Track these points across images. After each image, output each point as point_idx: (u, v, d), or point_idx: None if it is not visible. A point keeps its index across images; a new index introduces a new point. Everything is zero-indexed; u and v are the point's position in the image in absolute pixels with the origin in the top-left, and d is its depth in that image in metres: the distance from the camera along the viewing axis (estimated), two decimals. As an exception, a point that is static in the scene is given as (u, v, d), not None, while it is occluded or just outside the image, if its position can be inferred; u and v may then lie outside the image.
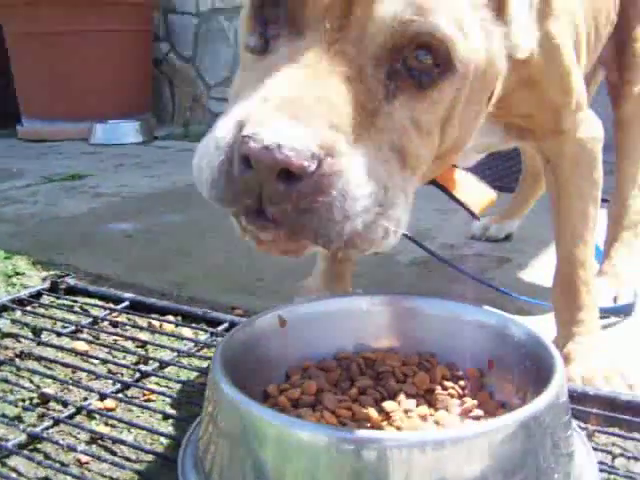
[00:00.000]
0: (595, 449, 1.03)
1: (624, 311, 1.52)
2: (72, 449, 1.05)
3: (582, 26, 1.21)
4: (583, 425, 1.09)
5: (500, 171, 2.87)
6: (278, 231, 0.70)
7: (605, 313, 1.47)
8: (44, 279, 1.75)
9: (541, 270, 1.79)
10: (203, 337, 1.41)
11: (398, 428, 0.96)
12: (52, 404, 1.19)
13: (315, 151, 0.65)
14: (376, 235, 0.72)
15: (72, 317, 1.53)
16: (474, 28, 0.80)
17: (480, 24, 0.81)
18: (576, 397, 1.15)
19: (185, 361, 1.33)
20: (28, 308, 1.58)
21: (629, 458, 1.03)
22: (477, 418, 1.01)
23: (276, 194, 0.66)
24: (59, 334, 1.43)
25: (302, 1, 0.73)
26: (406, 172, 0.77)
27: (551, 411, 0.88)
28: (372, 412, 0.98)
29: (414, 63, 0.74)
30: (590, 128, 1.22)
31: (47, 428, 1.10)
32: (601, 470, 0.98)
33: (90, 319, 1.50)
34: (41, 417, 1.14)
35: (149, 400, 1.20)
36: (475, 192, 1.11)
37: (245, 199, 0.68)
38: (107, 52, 4.39)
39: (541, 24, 1.05)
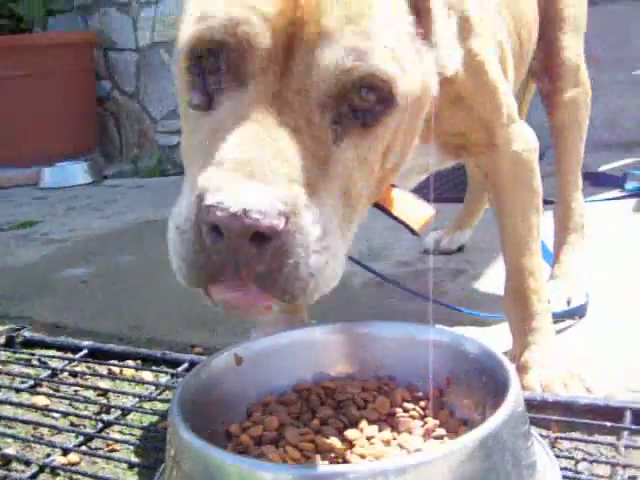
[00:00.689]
0: (558, 456, 1.05)
1: (578, 313, 1.54)
2: (37, 509, 1.03)
3: (505, 41, 1.24)
4: (545, 433, 1.11)
5: (447, 182, 2.90)
6: (248, 292, 0.71)
7: (559, 317, 1.49)
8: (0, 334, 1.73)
9: (495, 279, 1.81)
10: (164, 379, 1.40)
11: (362, 456, 0.96)
12: (14, 464, 1.17)
13: (281, 209, 0.66)
14: (330, 279, 0.75)
15: (30, 371, 1.51)
16: (409, 58, 0.82)
17: (413, 51, 0.84)
18: (536, 405, 1.17)
19: (147, 406, 1.32)
20: (-16, 366, 1.56)
21: (592, 461, 1.05)
22: (440, 437, 1.02)
23: (249, 256, 0.67)
24: (18, 390, 1.41)
25: (242, 52, 0.73)
26: (352, 209, 0.79)
27: (508, 426, 0.89)
28: (335, 442, 0.98)
29: (358, 104, 0.76)
30: (524, 139, 1.25)
31: (10, 490, 1.09)
32: (565, 476, 1.00)
33: (49, 371, 1.48)
34: (3, 479, 1.12)
35: (113, 450, 1.19)
36: (413, 209, 1.12)
37: (218, 266, 0.68)
38: (49, 94, 4.36)
39: (463, 42, 1.07)
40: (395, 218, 1.10)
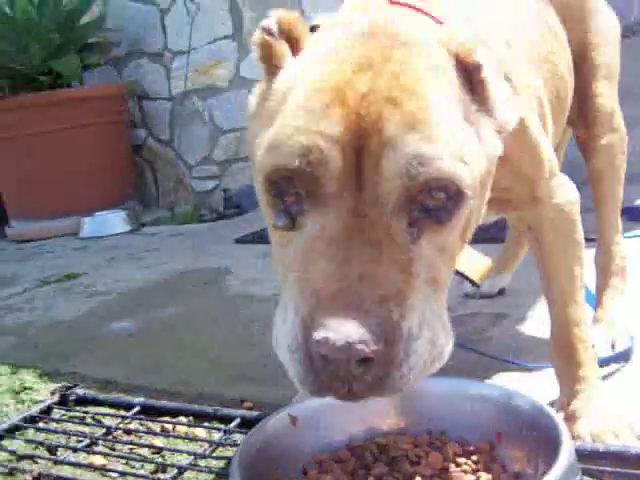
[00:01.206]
0: (612, 508, 1.05)
1: (623, 358, 1.55)
2: None
3: (544, 96, 1.27)
4: (598, 484, 1.11)
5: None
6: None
7: (604, 363, 1.50)
8: (53, 392, 1.77)
9: (539, 322, 1.82)
10: (217, 436, 1.43)
11: (418, 514, 0.98)
12: (78, 526, 1.20)
13: (378, 334, 0.73)
14: (435, 365, 0.81)
15: (85, 429, 1.55)
16: (472, 145, 0.84)
17: (474, 133, 0.86)
18: (587, 455, 1.18)
19: (203, 463, 1.35)
20: (40, 424, 1.60)
21: (646, 514, 1.05)
22: (493, 492, 1.03)
23: (356, 376, 0.74)
24: (75, 449, 1.45)
25: (316, 177, 0.77)
26: (442, 291, 0.84)
27: (564, 482, 0.91)
28: (392, 499, 1.00)
29: (429, 203, 0.79)
30: (565, 192, 1.27)
31: None
32: (620, 530, 1.01)
33: (103, 429, 1.52)
34: (69, 542, 1.16)
35: (173, 511, 1.22)
36: (471, 261, 1.15)
37: (331, 385, 0.76)
38: (85, 146, 4.46)
39: None
40: (455, 272, 1.12)
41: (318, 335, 0.72)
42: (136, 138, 5.01)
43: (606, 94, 1.63)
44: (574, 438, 1.23)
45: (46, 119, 4.31)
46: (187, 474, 1.32)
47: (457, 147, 0.80)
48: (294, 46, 0.90)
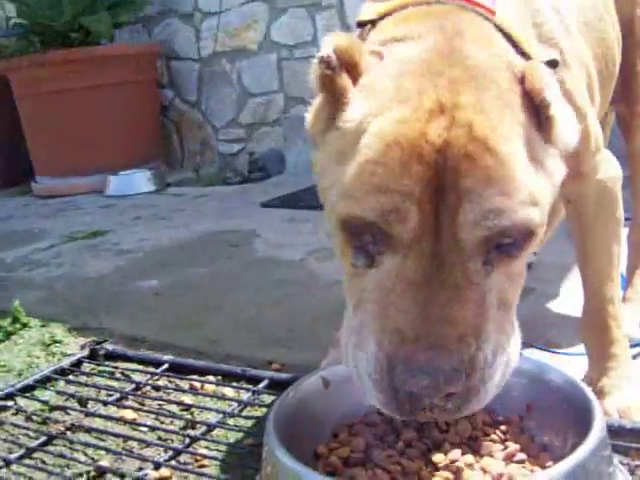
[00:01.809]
0: (638, 483, 1.06)
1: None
2: (135, 522, 1.09)
3: (591, 65, 1.26)
4: (625, 460, 1.12)
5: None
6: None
7: (635, 346, 1.50)
8: (82, 346, 1.80)
9: (567, 297, 1.82)
10: (245, 396, 1.45)
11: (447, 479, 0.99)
12: (109, 476, 1.23)
13: (459, 369, 0.78)
14: (504, 381, 0.87)
15: (115, 384, 1.57)
16: (540, 181, 0.85)
17: (541, 166, 0.86)
18: (613, 431, 1.18)
19: (231, 422, 1.37)
20: (71, 377, 1.63)
21: (672, 491, 1.06)
22: (521, 462, 1.04)
23: (438, 406, 0.80)
24: (105, 403, 1.48)
25: (395, 230, 0.79)
26: (509, 312, 0.88)
27: (595, 455, 0.92)
28: (421, 465, 1.02)
29: (502, 244, 0.82)
30: (609, 168, 1.26)
31: (108, 502, 1.15)
32: (645, 505, 1.02)
33: (133, 385, 1.55)
34: (101, 491, 1.19)
35: (202, 466, 1.24)
36: None
37: (413, 413, 0.82)
38: (114, 104, 4.48)
39: (555, 72, 1.10)
40: None
41: (407, 374, 0.78)
42: (163, 99, 5.01)
43: None
44: (601, 414, 1.24)
45: (76, 76, 4.32)
46: (216, 432, 1.34)
47: (529, 193, 0.81)
48: (354, 72, 0.88)
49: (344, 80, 0.87)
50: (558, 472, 0.86)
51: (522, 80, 0.87)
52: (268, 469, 0.99)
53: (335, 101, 0.88)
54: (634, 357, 1.44)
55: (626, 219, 1.72)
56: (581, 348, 1.38)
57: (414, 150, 0.79)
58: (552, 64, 0.99)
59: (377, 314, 0.82)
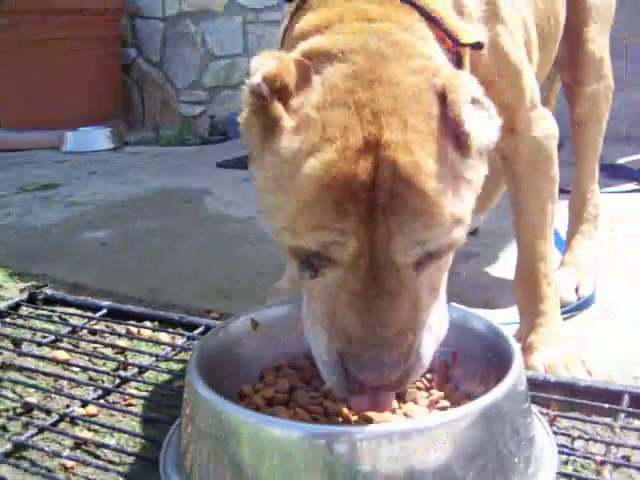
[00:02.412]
0: (556, 433, 1.08)
1: (586, 305, 1.58)
2: (57, 455, 1.09)
3: (530, 21, 1.26)
4: (545, 411, 1.14)
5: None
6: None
7: (570, 311, 1.53)
8: (22, 290, 1.78)
9: (507, 263, 1.84)
10: (180, 341, 1.45)
11: (368, 421, 1.01)
12: (36, 412, 1.22)
13: (398, 360, 0.86)
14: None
15: (51, 327, 1.56)
16: (463, 198, 0.90)
17: (464, 181, 0.90)
18: (538, 384, 1.21)
19: (164, 365, 1.37)
20: (7, 320, 1.61)
21: (587, 440, 1.09)
22: (443, 409, 1.06)
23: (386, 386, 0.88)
24: (39, 344, 1.47)
25: (335, 254, 0.86)
26: (438, 293, 0.95)
27: (510, 399, 0.93)
28: (341, 407, 1.03)
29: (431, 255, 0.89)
30: (544, 126, 1.28)
31: (32, 436, 1.14)
32: (561, 452, 1.04)
33: (69, 328, 1.54)
34: (25, 426, 1.18)
35: (130, 405, 1.24)
36: None
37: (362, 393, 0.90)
38: (76, 59, 4.40)
39: (490, 26, 1.11)
40: None
41: (356, 370, 0.86)
42: (126, 57, 4.94)
43: (597, 40, 1.63)
44: (528, 368, 1.26)
45: (38, 27, 4.23)
46: (147, 374, 1.34)
47: (452, 218, 0.87)
48: (285, 94, 0.89)
49: (276, 109, 0.88)
50: (470, 409, 0.88)
51: (443, 95, 0.89)
52: (187, 410, 1.00)
53: (268, 128, 0.89)
54: (566, 318, 1.46)
55: (568, 191, 1.75)
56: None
57: (346, 190, 0.83)
58: (477, 46, 1.02)
59: (325, 315, 0.90)
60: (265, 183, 0.92)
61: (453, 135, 0.88)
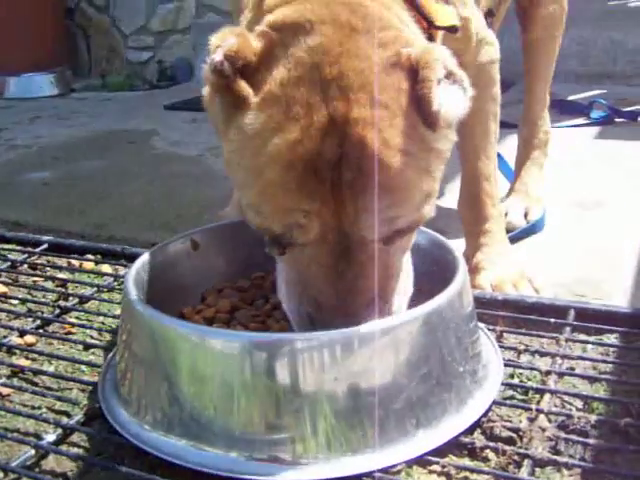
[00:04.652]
0: (503, 347, 1.08)
1: (536, 229, 1.57)
2: (-8, 383, 1.06)
3: None
4: (492, 327, 1.14)
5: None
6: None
7: (520, 236, 1.53)
8: (-41, 229, 1.73)
9: (455, 192, 1.83)
10: (123, 272, 1.41)
11: (310, 339, 0.99)
12: (-30, 343, 1.19)
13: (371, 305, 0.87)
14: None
15: (-11, 263, 1.51)
16: (431, 173, 0.88)
17: (432, 154, 0.87)
18: (485, 302, 1.21)
19: (106, 296, 1.34)
20: (-56, 257, 1.56)
21: (534, 353, 1.09)
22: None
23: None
24: (-24, 279, 1.42)
25: (299, 237, 0.84)
26: (407, 252, 0.95)
27: (453, 308, 0.92)
28: (284, 325, 1.01)
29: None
30: (488, 51, 1.26)
31: (-35, 366, 1.11)
32: (507, 365, 1.04)
33: (8, 263, 1.49)
34: (-41, 356, 1.14)
35: (70, 333, 1.21)
36: None
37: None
38: (17, 3, 4.25)
39: None
40: None
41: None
42: (69, 1, 4.79)
43: None
44: (475, 288, 1.25)
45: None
46: (89, 304, 1.31)
47: (421, 195, 0.86)
48: (248, 70, 0.85)
49: (240, 86, 0.84)
50: (413, 315, 0.87)
51: (414, 69, 0.85)
52: (124, 336, 0.97)
53: (232, 106, 0.86)
54: (515, 242, 1.46)
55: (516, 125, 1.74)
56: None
57: (310, 170, 0.81)
58: (451, 29, 0.99)
59: (297, 282, 0.90)
60: (230, 157, 0.90)
61: (423, 110, 0.84)
